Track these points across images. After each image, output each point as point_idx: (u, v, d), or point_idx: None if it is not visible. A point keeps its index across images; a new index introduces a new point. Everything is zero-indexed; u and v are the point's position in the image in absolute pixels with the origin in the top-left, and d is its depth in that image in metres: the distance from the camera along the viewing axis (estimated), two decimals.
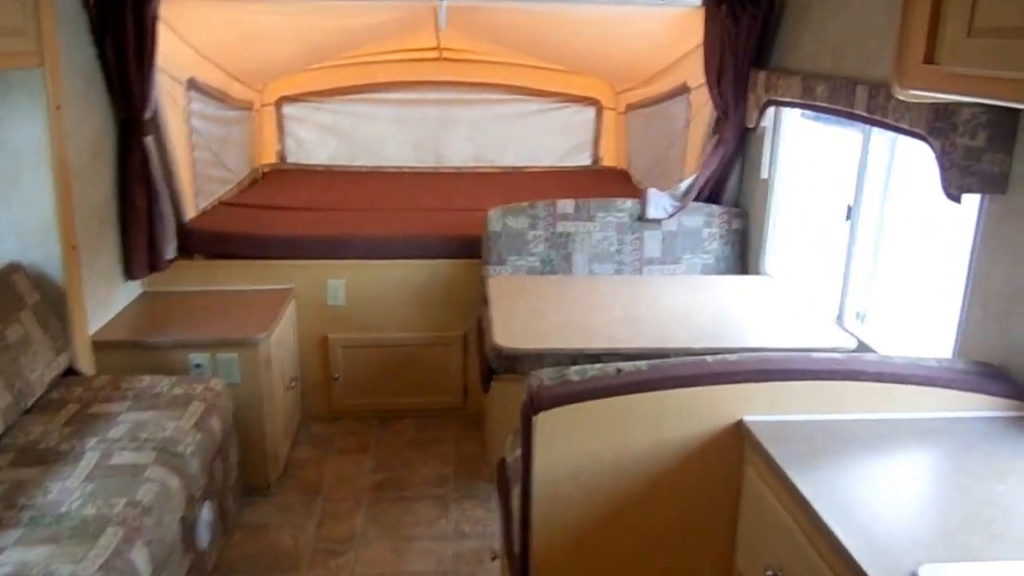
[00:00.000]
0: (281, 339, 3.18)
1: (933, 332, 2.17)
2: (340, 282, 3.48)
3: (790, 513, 1.55)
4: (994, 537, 1.34)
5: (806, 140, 3.07)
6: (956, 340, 1.99)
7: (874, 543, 1.33)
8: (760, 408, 1.76)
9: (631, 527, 1.85)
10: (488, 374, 3.02)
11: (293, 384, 3.37)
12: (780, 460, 1.60)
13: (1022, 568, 1.26)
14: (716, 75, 3.12)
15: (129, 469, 2.16)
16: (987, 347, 1.88)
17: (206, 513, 2.43)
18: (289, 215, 3.84)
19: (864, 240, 2.53)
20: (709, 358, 1.83)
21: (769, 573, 1.59)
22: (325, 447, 3.41)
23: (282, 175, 4.82)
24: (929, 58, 1.39)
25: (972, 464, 1.57)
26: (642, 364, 1.82)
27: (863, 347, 2.37)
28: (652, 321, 2.56)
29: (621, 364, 1.82)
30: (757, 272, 3.17)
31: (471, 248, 3.45)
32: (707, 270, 3.30)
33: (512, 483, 2.14)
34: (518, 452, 2.04)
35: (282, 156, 5.04)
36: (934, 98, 1.57)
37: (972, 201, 1.93)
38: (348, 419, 3.61)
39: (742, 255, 3.30)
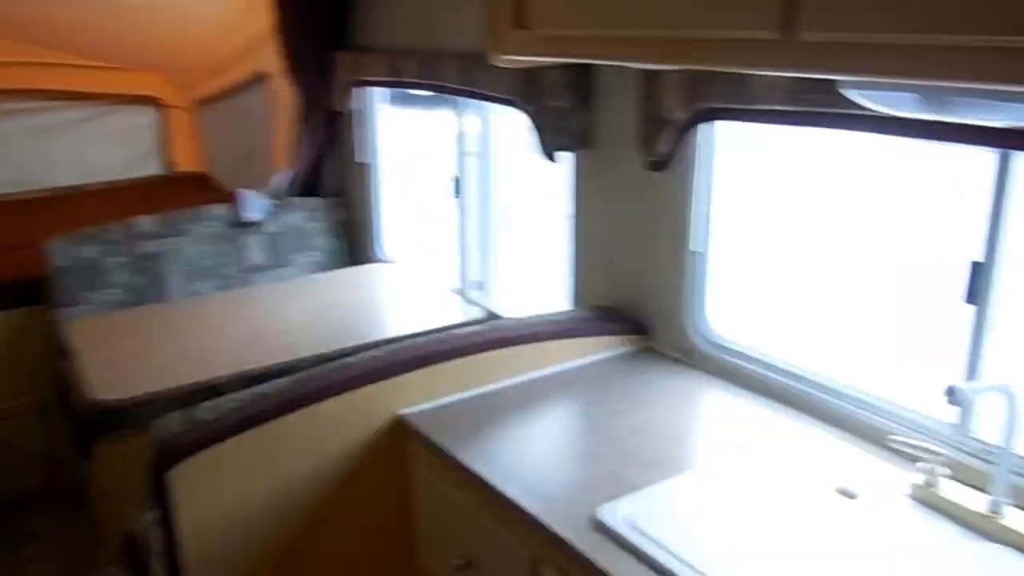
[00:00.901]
0: None
1: (554, 288, 2.38)
2: None
3: (466, 495, 1.58)
4: (649, 464, 1.51)
5: (406, 120, 3.16)
6: (574, 291, 2.21)
7: (552, 500, 1.41)
8: (415, 398, 1.77)
9: (309, 555, 1.75)
10: (85, 438, 2.62)
11: None
12: (445, 445, 1.62)
13: (678, 482, 1.44)
14: (294, 59, 3.05)
15: None
16: (599, 292, 2.12)
17: None
18: None
19: (473, 211, 2.68)
20: (353, 359, 1.79)
21: (457, 563, 1.61)
22: None
23: None
24: (520, 23, 1.48)
25: (612, 403, 1.76)
26: (283, 381, 1.71)
27: (491, 315, 2.52)
28: (278, 334, 2.44)
29: (259, 388, 1.69)
30: (371, 260, 3.20)
31: (28, 293, 2.95)
32: (320, 267, 3.24)
33: (148, 555, 1.88)
34: (150, 517, 1.80)
35: None
36: (530, 62, 1.70)
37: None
38: None
39: (353, 246, 3.31)
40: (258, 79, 3.69)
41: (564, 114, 2.04)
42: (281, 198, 3.17)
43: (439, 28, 2.54)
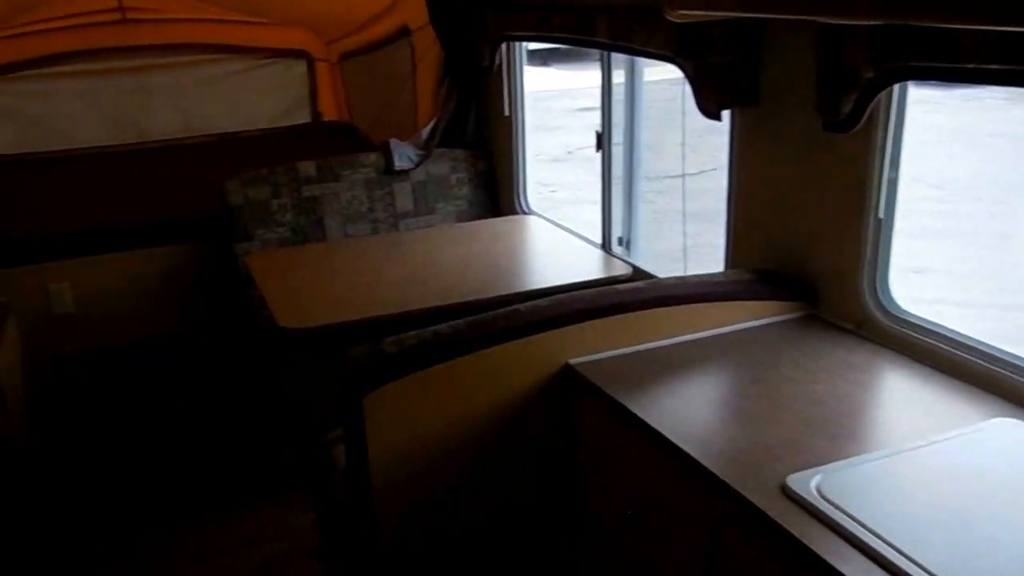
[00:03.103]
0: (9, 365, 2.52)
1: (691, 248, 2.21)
2: (63, 286, 2.86)
3: (637, 448, 1.47)
4: (834, 436, 1.35)
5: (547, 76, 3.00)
6: (727, 252, 2.02)
7: (734, 462, 1.29)
8: (582, 349, 1.67)
9: (481, 490, 1.70)
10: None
11: None
12: (617, 397, 1.51)
13: (869, 458, 1.27)
14: (441, 14, 2.91)
15: None
16: (757, 254, 1.93)
17: None
18: None
19: (617, 167, 2.52)
20: (521, 307, 1.69)
21: (629, 513, 1.51)
22: None
23: None
24: None
25: (785, 369, 1.59)
26: (458, 324, 1.64)
27: (638, 272, 2.37)
28: (434, 277, 2.37)
29: (438, 328, 1.62)
30: (513, 211, 3.08)
31: (204, 228, 2.98)
32: (462, 216, 3.15)
33: (330, 474, 1.87)
34: (335, 436, 1.79)
35: None
36: (705, 16, 1.52)
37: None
38: None
39: (493, 196, 3.19)
40: (401, 33, 3.57)
41: (729, 70, 1.83)
42: (427, 149, 3.07)
43: None
